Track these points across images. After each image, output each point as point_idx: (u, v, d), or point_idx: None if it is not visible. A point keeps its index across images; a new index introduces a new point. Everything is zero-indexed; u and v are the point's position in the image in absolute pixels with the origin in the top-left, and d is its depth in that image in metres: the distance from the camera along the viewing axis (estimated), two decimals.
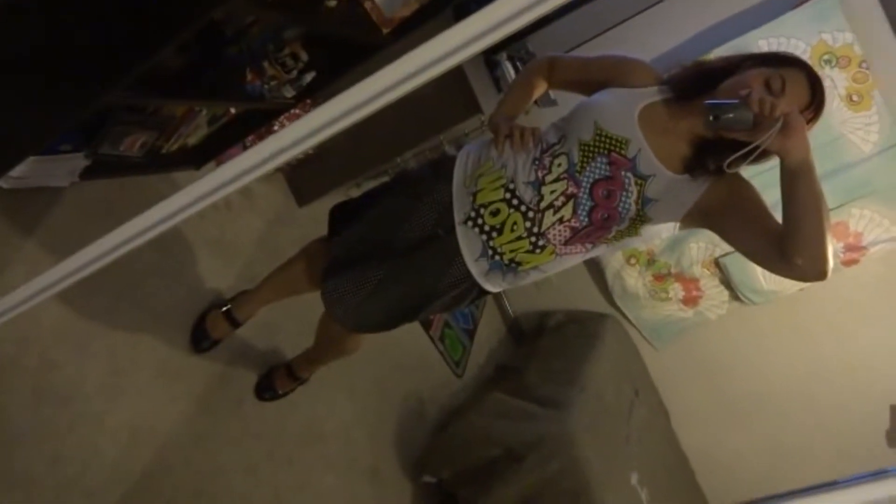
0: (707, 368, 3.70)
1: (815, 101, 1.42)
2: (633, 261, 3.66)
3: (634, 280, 3.70)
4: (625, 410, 3.08)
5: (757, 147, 1.32)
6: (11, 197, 1.73)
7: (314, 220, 2.81)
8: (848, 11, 3.09)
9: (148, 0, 1.48)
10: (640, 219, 1.51)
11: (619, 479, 2.58)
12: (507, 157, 1.56)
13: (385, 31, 1.96)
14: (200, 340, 2.03)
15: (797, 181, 1.31)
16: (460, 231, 1.58)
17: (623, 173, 1.49)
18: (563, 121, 1.61)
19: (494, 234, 1.55)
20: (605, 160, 1.50)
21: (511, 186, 1.53)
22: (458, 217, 1.58)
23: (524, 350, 3.63)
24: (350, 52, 2.03)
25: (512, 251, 1.55)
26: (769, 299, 3.48)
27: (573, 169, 1.51)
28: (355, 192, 3.11)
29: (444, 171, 1.64)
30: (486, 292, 1.69)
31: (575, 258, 1.60)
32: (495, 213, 1.54)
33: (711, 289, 3.60)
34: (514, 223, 1.53)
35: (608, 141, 1.50)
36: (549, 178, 1.52)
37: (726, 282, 3.55)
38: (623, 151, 1.49)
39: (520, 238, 1.53)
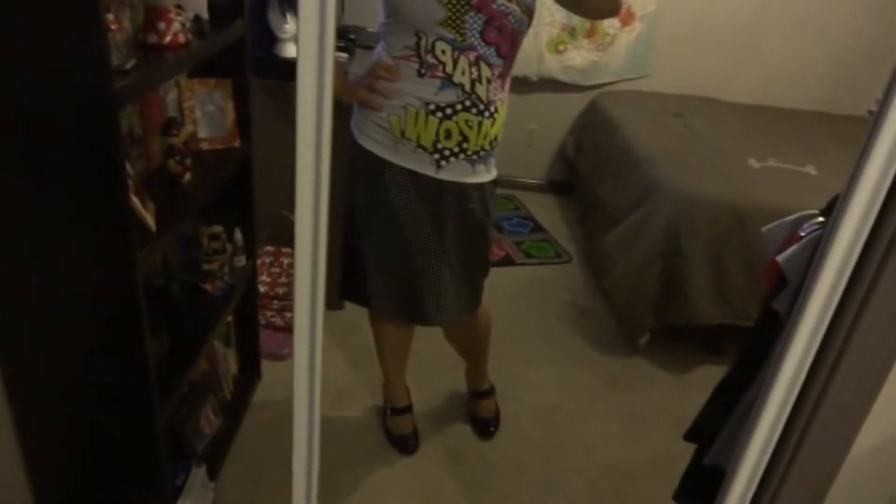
0: None
1: None
2: (561, 48, 3.59)
3: (581, 58, 3.64)
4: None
5: None
6: None
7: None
8: None
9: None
10: (531, 10, 1.56)
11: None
12: (397, 96, 1.55)
13: None
14: (402, 447, 2.08)
15: None
16: (443, 174, 1.60)
17: (493, 6, 1.48)
18: (392, 24, 1.54)
19: (465, 145, 1.58)
20: (472, 11, 1.48)
21: (433, 108, 1.53)
22: (430, 173, 1.60)
23: (580, 192, 3.60)
24: None
25: (484, 138, 1.60)
26: None
27: (457, 44, 1.50)
28: None
29: (376, 169, 1.63)
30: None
31: (506, 89, 1.64)
32: (449, 135, 1.56)
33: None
34: (467, 121, 1.56)
35: None
36: (449, 69, 1.51)
37: None
38: None
39: (480, 124, 1.56)
